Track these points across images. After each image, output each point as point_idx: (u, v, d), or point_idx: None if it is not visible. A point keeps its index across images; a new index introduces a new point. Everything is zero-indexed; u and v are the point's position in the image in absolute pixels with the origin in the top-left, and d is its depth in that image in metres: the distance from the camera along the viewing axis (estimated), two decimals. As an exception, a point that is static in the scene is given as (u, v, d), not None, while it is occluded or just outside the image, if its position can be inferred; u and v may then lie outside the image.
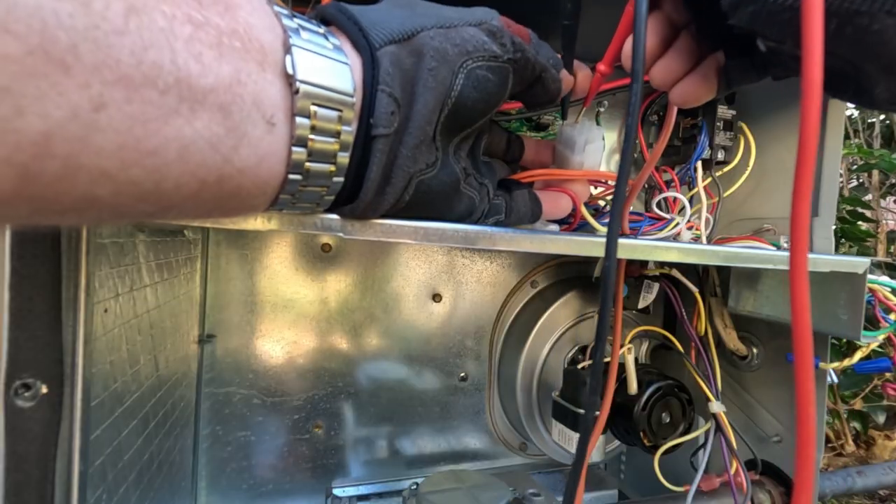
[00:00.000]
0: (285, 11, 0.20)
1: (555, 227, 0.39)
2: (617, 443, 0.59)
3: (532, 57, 0.27)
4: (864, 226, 1.35)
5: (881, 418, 1.40)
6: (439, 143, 0.25)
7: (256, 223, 0.24)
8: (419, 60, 0.23)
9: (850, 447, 1.44)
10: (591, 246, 0.31)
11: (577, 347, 0.57)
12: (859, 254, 1.26)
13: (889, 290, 0.41)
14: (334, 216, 0.25)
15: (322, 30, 0.21)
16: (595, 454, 0.47)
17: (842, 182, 1.74)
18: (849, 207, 1.34)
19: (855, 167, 1.68)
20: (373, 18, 0.23)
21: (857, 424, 1.43)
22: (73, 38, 0.13)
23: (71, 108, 0.13)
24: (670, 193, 0.46)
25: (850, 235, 1.29)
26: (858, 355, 0.42)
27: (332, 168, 0.21)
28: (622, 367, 0.47)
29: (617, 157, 0.59)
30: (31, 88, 0.13)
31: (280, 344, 0.55)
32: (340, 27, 0.23)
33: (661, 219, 0.45)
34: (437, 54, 0.23)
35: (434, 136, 0.25)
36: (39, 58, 0.12)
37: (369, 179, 0.23)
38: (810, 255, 0.38)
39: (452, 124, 0.25)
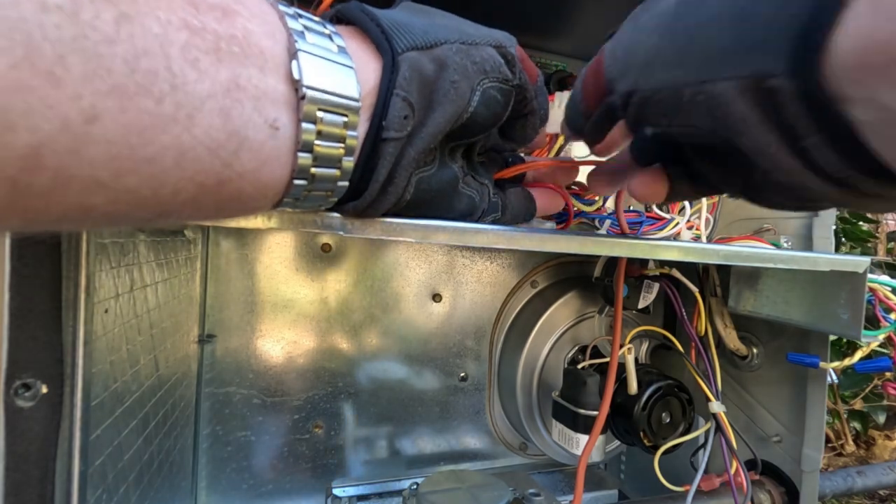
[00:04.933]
0: (290, 11, 0.20)
1: (550, 225, 0.39)
2: (617, 443, 0.59)
3: (529, 96, 0.27)
4: (864, 226, 1.35)
5: (881, 418, 1.40)
6: (437, 145, 0.26)
7: (257, 222, 0.24)
8: (442, 70, 0.23)
9: (850, 447, 1.44)
10: (592, 245, 0.31)
11: (577, 347, 0.57)
12: (860, 254, 1.27)
13: (889, 289, 0.41)
14: (335, 215, 0.25)
15: (328, 30, 0.21)
16: (595, 454, 0.47)
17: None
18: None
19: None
20: (395, 21, 0.23)
21: (857, 424, 1.43)
22: (60, 50, 0.12)
23: (61, 120, 0.13)
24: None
25: (851, 236, 1.29)
26: (859, 355, 0.42)
27: (338, 173, 0.21)
28: (622, 367, 0.47)
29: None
30: (19, 103, 0.12)
31: (280, 344, 0.55)
32: (363, 28, 0.23)
33: (661, 219, 0.45)
34: (460, 68, 0.23)
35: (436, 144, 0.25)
36: (25, 71, 0.12)
37: (376, 181, 0.23)
38: (811, 254, 0.38)
39: (456, 135, 0.26)
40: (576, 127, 0.27)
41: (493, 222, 0.31)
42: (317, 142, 0.20)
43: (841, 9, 0.15)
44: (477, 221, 0.30)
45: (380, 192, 0.23)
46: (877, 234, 1.57)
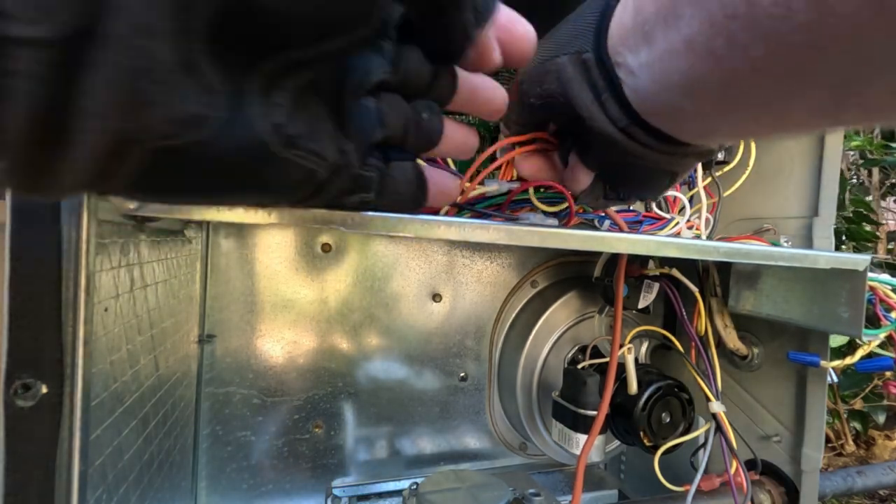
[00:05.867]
0: None
1: (553, 221, 0.39)
2: (617, 443, 0.59)
3: None
4: (867, 227, 1.35)
5: (881, 418, 1.40)
6: (221, 74, 0.15)
7: (257, 216, 0.23)
8: None
9: (850, 447, 1.44)
10: (594, 242, 0.31)
11: (576, 347, 0.57)
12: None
13: (889, 287, 0.41)
14: (335, 212, 0.24)
15: None
16: (595, 454, 0.47)
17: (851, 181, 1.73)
18: (854, 209, 1.34)
19: (855, 164, 1.68)
20: None
21: (857, 424, 1.43)
22: None
23: None
24: (670, 193, 0.46)
25: (856, 236, 1.28)
26: (859, 354, 0.42)
27: None
28: (622, 367, 0.47)
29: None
30: None
31: (280, 344, 0.55)
32: None
33: (660, 218, 0.45)
34: None
35: (198, 58, 0.14)
36: None
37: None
38: (811, 252, 0.38)
39: (252, 38, 0.15)
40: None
41: (362, 206, 0.23)
42: None
43: (611, 10, 0.24)
44: (335, 204, 0.22)
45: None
46: (878, 235, 1.57)
